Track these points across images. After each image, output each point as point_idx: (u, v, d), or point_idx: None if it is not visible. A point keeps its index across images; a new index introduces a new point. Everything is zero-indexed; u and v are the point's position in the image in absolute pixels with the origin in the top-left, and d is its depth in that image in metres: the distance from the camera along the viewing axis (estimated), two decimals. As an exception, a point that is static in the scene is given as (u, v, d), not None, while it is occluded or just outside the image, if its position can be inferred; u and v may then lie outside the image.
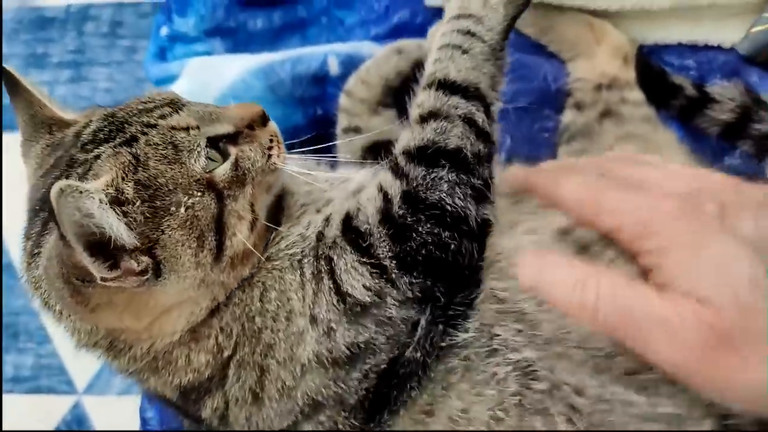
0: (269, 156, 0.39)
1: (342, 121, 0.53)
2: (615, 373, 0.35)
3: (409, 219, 0.36)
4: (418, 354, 0.37)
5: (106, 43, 1.20)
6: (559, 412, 0.35)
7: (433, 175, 0.37)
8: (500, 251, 0.39)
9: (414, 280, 0.36)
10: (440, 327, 0.37)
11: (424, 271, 0.36)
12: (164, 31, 0.58)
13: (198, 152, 0.35)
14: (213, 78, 0.54)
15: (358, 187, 0.42)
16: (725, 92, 0.55)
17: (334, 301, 0.37)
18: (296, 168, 0.40)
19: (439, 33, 0.42)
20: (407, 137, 0.39)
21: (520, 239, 0.40)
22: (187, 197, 0.34)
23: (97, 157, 0.35)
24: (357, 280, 0.36)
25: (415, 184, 0.37)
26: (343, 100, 0.53)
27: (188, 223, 0.34)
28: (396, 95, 0.54)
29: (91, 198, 0.30)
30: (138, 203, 0.33)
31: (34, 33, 1.24)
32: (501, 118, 0.57)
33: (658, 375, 0.35)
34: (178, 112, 0.37)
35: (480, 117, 0.38)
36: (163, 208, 0.34)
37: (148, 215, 0.33)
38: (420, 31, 0.59)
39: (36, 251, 0.35)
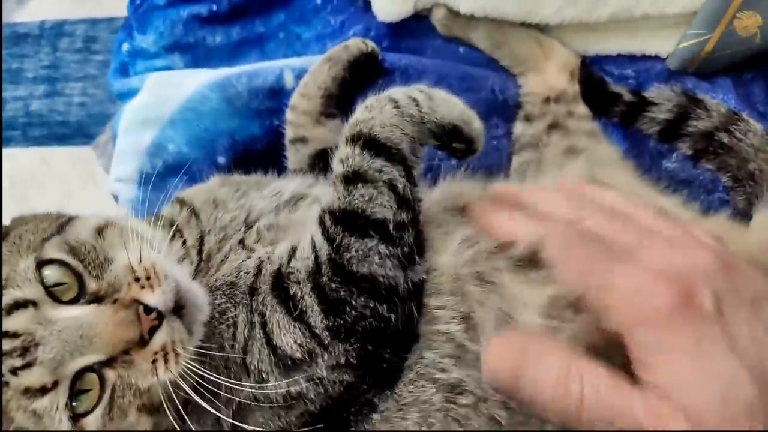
0: (155, 374, 0.35)
1: (289, 133, 0.55)
2: None
3: (342, 293, 0.36)
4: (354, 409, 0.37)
5: (80, 58, 1.22)
6: (480, 424, 0.36)
7: (363, 247, 0.36)
8: (436, 267, 0.39)
9: (350, 347, 0.36)
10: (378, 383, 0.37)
11: (363, 339, 0.36)
12: (125, 47, 0.60)
13: (59, 418, 0.34)
14: (172, 92, 0.55)
15: (289, 200, 0.43)
16: (662, 94, 0.58)
17: (265, 354, 0.37)
18: (189, 368, 0.35)
19: (392, 89, 0.42)
20: (333, 196, 0.38)
21: (458, 253, 0.40)
22: None
23: None
24: (289, 337, 0.37)
25: (345, 255, 0.36)
26: (288, 113, 0.55)
27: None
28: (339, 103, 0.56)
29: None
30: None
31: (9, 48, 1.25)
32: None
33: None
34: (30, 366, 0.33)
35: (401, 183, 0.38)
36: None
37: None
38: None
39: None
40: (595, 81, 0.60)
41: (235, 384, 0.36)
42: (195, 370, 0.35)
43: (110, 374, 0.35)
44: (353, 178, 0.38)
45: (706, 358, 0.31)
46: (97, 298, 0.35)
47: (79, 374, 0.34)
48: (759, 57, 0.57)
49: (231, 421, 0.37)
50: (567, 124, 0.58)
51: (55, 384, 0.34)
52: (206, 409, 0.36)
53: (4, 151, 1.20)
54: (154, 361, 0.35)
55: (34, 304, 0.34)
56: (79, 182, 1.18)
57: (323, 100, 0.54)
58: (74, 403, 0.34)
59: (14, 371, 0.33)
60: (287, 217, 0.44)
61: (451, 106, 0.40)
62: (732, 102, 0.56)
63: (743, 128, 0.54)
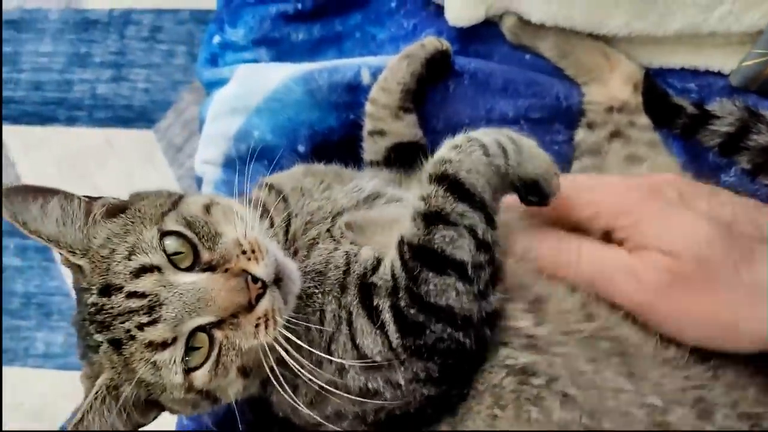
0: (255, 337, 0.39)
1: (368, 125, 0.58)
2: (605, 359, 0.40)
3: (420, 317, 0.39)
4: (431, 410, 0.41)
5: (145, 47, 1.28)
6: (552, 402, 0.39)
7: (441, 282, 0.38)
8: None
9: (432, 365, 0.39)
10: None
11: (444, 358, 0.39)
12: (216, 39, 0.65)
13: (175, 370, 0.38)
14: (259, 83, 0.60)
15: (368, 198, 0.47)
16: (725, 107, 0.60)
17: (348, 347, 0.40)
18: (283, 335, 0.39)
19: (481, 131, 0.44)
20: (413, 231, 0.40)
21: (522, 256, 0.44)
22: (173, 394, 0.39)
23: (99, 344, 0.39)
24: (370, 341, 0.39)
25: (423, 288, 0.39)
26: (368, 106, 0.58)
27: (180, 403, 0.40)
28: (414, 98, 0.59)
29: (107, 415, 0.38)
30: (134, 395, 0.39)
31: (78, 33, 1.32)
32: (515, 130, 0.63)
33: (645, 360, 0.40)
34: (155, 323, 0.37)
35: (481, 228, 0.39)
36: (155, 395, 0.40)
37: (145, 397, 0.40)
38: (445, 48, 0.65)
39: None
40: (658, 93, 0.62)
41: (321, 359, 0.40)
42: (288, 338, 0.39)
43: (219, 334, 0.39)
44: (435, 218, 0.39)
45: (672, 216, 0.41)
46: (210, 267, 0.39)
47: (194, 333, 0.39)
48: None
49: (306, 410, 0.41)
50: (628, 134, 0.61)
51: (174, 340, 0.38)
52: (286, 379, 0.40)
53: (71, 129, 1.27)
54: (256, 325, 0.39)
55: (158, 269, 0.39)
56: (139, 163, 1.24)
57: (402, 95, 0.58)
58: (187, 358, 0.38)
59: (141, 327, 0.38)
60: (365, 214, 0.47)
61: (537, 163, 0.42)
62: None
63: None
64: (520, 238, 0.43)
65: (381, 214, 0.45)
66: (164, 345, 0.38)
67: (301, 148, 0.59)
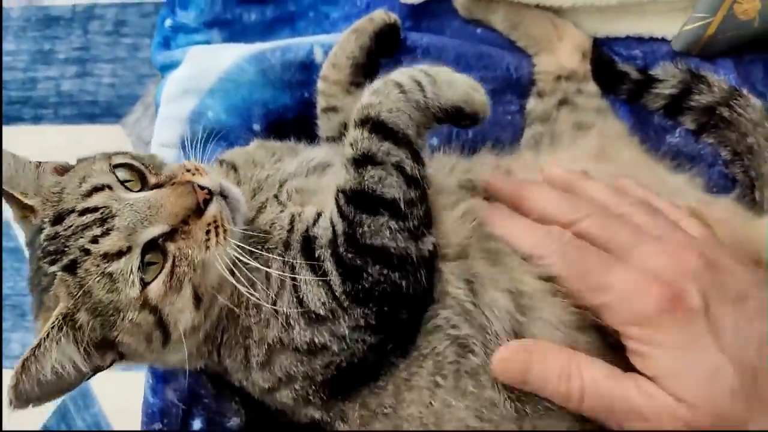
0: (207, 248, 0.40)
1: (320, 102, 0.59)
2: None
3: (358, 261, 0.40)
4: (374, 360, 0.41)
5: (110, 41, 1.28)
6: (487, 379, 0.40)
7: (374, 223, 0.40)
8: (442, 235, 0.43)
9: (369, 311, 0.40)
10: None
11: (380, 303, 0.40)
12: (168, 22, 0.65)
13: (132, 280, 0.38)
14: (211, 64, 0.60)
15: (317, 166, 0.48)
16: (668, 71, 0.62)
17: (293, 303, 0.41)
18: (234, 254, 0.41)
19: (397, 71, 0.44)
20: (345, 178, 0.41)
21: (462, 224, 0.44)
22: (127, 316, 0.39)
23: (54, 277, 0.39)
24: (314, 294, 0.40)
25: (358, 230, 0.40)
26: (319, 83, 0.59)
27: (133, 331, 0.40)
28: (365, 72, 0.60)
29: (61, 348, 0.38)
30: (90, 325, 0.39)
31: (41, 31, 1.30)
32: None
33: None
34: (108, 233, 0.38)
35: (409, 164, 0.40)
36: (110, 324, 0.39)
37: (100, 330, 0.39)
38: (397, 25, 0.66)
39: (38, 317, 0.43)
40: (604, 60, 0.64)
41: (268, 317, 0.41)
42: (239, 264, 0.41)
43: (171, 247, 0.40)
44: (363, 161, 0.41)
45: (694, 352, 0.36)
46: (158, 185, 0.42)
47: (147, 248, 0.40)
48: (758, 40, 0.61)
49: (257, 373, 0.42)
50: (576, 101, 0.62)
51: (129, 249, 0.39)
52: (237, 340, 0.42)
53: (37, 128, 1.26)
54: (207, 232, 0.40)
55: (109, 187, 0.41)
56: (108, 159, 1.23)
57: (352, 69, 0.58)
58: (142, 275, 0.39)
59: (95, 239, 0.39)
60: (315, 181, 0.48)
61: (454, 88, 0.43)
62: (733, 82, 0.60)
63: (743, 103, 0.58)
64: (509, 358, 0.39)
65: (331, 180, 0.46)
66: (119, 254, 0.39)
67: (256, 127, 0.60)
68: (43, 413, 1.10)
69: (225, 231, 0.41)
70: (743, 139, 0.58)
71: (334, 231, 0.41)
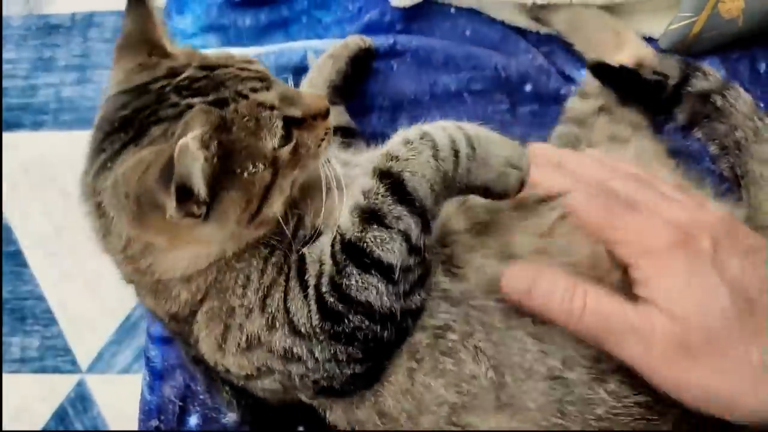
0: (319, 146, 0.42)
1: None
2: (518, 319, 0.41)
3: (339, 307, 0.38)
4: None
5: (109, 48, 1.28)
6: (467, 356, 0.40)
7: (364, 280, 0.38)
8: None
9: (351, 350, 0.39)
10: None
11: (360, 344, 0.39)
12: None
13: (275, 132, 0.39)
14: (207, 67, 0.61)
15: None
16: (666, 63, 0.61)
17: (281, 306, 0.40)
18: (334, 163, 0.43)
19: (441, 122, 0.41)
20: (347, 223, 0.39)
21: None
22: (253, 167, 0.38)
23: (190, 106, 0.37)
24: (299, 311, 0.40)
25: (345, 281, 0.38)
26: None
27: (246, 187, 0.39)
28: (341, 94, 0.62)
29: (197, 160, 0.35)
30: (215, 161, 0.36)
31: (42, 38, 1.32)
32: (459, 103, 0.65)
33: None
34: (267, 90, 0.40)
35: (416, 234, 0.38)
36: (232, 170, 0.38)
37: (218, 172, 0.37)
38: (388, 29, 0.67)
39: (108, 165, 0.38)
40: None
41: (253, 308, 0.41)
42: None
43: (296, 132, 0.41)
44: (371, 217, 0.38)
45: (694, 277, 0.38)
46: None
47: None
48: (744, 38, 0.62)
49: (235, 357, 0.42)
50: (615, 111, 0.61)
51: (273, 108, 0.40)
52: (220, 308, 0.42)
53: (37, 134, 1.27)
54: (325, 133, 0.43)
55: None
56: (107, 164, 1.24)
57: (329, 91, 0.60)
58: (283, 133, 0.40)
59: (254, 89, 0.40)
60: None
61: (490, 166, 0.40)
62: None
63: (735, 94, 0.58)
64: (514, 275, 0.40)
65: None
66: (272, 108, 0.40)
67: (250, 129, 0.61)
68: (41, 416, 1.11)
69: (328, 142, 0.43)
70: (732, 132, 0.59)
71: (320, 268, 0.40)
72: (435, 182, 0.38)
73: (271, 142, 0.39)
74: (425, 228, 0.39)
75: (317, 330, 0.39)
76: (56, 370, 1.12)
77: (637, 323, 0.38)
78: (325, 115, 0.43)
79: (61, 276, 1.19)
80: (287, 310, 0.40)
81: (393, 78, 0.65)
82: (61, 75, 1.29)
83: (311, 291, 0.39)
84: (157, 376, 0.55)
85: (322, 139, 0.43)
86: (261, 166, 0.39)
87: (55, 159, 1.25)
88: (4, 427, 1.10)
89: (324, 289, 0.39)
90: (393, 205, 0.38)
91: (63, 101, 1.28)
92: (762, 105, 0.60)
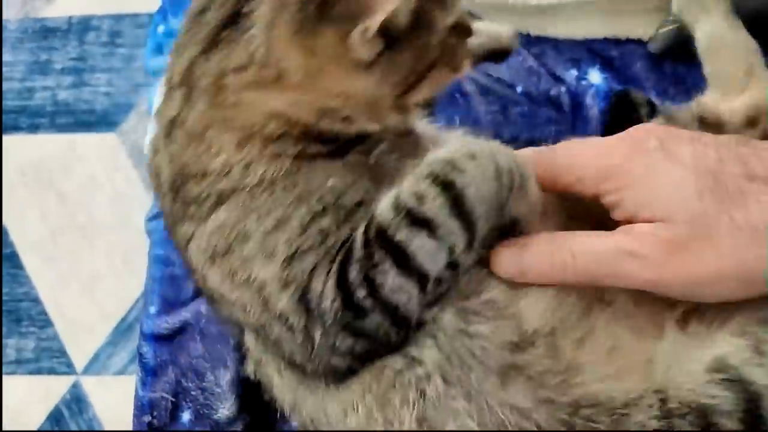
0: (462, 64, 0.40)
1: None
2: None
3: (367, 304, 0.35)
4: None
5: (105, 51, 1.30)
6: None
7: (397, 282, 0.35)
8: None
9: (349, 344, 0.36)
10: None
11: (363, 345, 0.37)
12: (161, 29, 0.67)
13: (453, 8, 0.37)
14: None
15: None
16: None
17: (306, 273, 0.36)
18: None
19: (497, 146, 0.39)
20: (391, 215, 0.35)
21: None
22: (429, 33, 0.37)
23: None
24: (326, 292, 0.36)
25: (380, 279, 0.35)
26: None
27: (417, 53, 0.37)
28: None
29: None
30: (406, 19, 0.35)
31: (38, 42, 1.33)
32: (450, 104, 0.66)
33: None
34: None
35: (460, 250, 0.36)
36: (417, 25, 0.36)
37: (410, 20, 0.36)
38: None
39: None
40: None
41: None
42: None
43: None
44: (422, 224, 0.36)
45: (657, 177, 0.38)
46: None
47: None
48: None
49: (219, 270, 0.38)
50: None
51: None
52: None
53: (33, 137, 1.28)
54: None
55: None
56: (103, 166, 1.25)
57: None
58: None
59: None
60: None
61: (528, 200, 0.39)
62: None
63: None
64: (502, 261, 0.39)
65: None
66: None
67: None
68: (37, 418, 1.11)
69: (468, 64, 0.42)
70: None
71: (351, 253, 0.36)
72: (492, 206, 0.36)
73: (449, 17, 0.37)
74: (469, 247, 0.37)
75: (330, 316, 0.36)
76: (52, 371, 1.12)
77: (625, 243, 0.37)
78: (469, 33, 0.41)
79: (57, 278, 1.19)
80: (310, 280, 0.36)
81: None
82: (58, 78, 1.30)
83: (334, 272, 0.36)
84: (149, 373, 0.56)
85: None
86: (436, 37, 0.37)
87: (51, 162, 1.26)
88: (5, 427, 1.10)
89: (352, 278, 0.35)
90: (448, 218, 0.35)
91: (59, 104, 1.29)
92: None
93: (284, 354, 0.38)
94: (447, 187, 0.36)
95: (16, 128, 1.30)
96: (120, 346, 1.13)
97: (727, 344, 0.38)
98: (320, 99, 0.37)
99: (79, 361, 1.13)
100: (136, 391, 0.57)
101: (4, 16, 1.35)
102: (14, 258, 1.20)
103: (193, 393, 0.53)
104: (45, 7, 1.38)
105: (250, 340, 0.41)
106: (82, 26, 1.34)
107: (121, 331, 1.14)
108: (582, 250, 0.38)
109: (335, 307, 0.36)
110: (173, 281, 0.59)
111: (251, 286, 0.37)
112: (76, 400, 1.11)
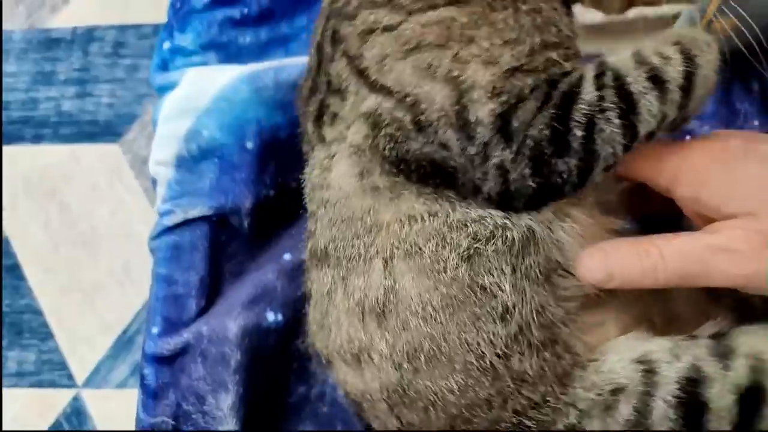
0: None
1: None
2: None
3: (575, 144, 0.36)
4: None
5: (109, 62, 1.30)
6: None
7: (614, 134, 0.36)
8: None
9: (523, 176, 0.37)
10: None
11: (535, 181, 0.37)
12: (166, 45, 0.67)
13: None
14: (207, 84, 0.62)
15: None
16: None
17: (520, 85, 0.37)
18: None
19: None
20: (627, 67, 0.37)
21: None
22: None
23: None
24: (536, 120, 0.36)
25: (602, 125, 0.36)
26: None
27: None
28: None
29: None
30: None
31: (42, 52, 1.33)
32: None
33: None
34: None
35: (667, 120, 0.38)
36: None
37: None
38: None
39: None
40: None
41: None
42: None
43: None
44: (657, 83, 0.37)
45: (738, 173, 0.38)
46: None
47: None
48: (736, 58, 0.62)
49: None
50: None
51: None
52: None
53: (37, 147, 1.28)
54: None
55: None
56: (106, 177, 1.25)
57: None
58: None
59: None
60: None
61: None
62: (712, 99, 0.62)
63: None
64: (586, 263, 0.40)
65: None
66: None
67: (249, 145, 0.61)
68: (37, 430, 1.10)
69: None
70: None
71: (579, 90, 0.37)
72: (705, 95, 0.38)
73: None
74: (670, 123, 0.39)
75: (530, 143, 0.36)
76: (52, 384, 1.11)
77: (716, 240, 0.37)
78: None
79: (59, 290, 1.18)
80: (522, 99, 0.37)
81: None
82: (62, 89, 1.30)
83: (554, 104, 0.37)
84: (150, 395, 0.55)
85: None
86: None
87: (54, 172, 1.26)
88: (5, 427, 1.09)
89: (576, 116, 0.36)
90: (678, 87, 0.37)
91: (63, 115, 1.29)
92: (756, 123, 0.61)
93: (437, 158, 0.37)
94: (688, 59, 0.37)
95: (20, 139, 1.30)
96: (120, 359, 1.12)
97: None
98: None
99: (80, 374, 1.12)
100: (137, 414, 0.56)
101: (10, 27, 1.36)
102: (16, 269, 1.20)
103: (193, 416, 0.53)
104: (50, 17, 1.38)
105: None
106: (86, 37, 1.34)
107: (122, 344, 1.13)
108: (671, 252, 0.38)
109: (540, 137, 0.36)
110: (176, 300, 0.58)
111: (455, 82, 0.36)
112: (77, 413, 1.10)
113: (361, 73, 0.39)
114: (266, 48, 0.68)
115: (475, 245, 0.37)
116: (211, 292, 0.59)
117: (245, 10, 0.67)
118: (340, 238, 0.40)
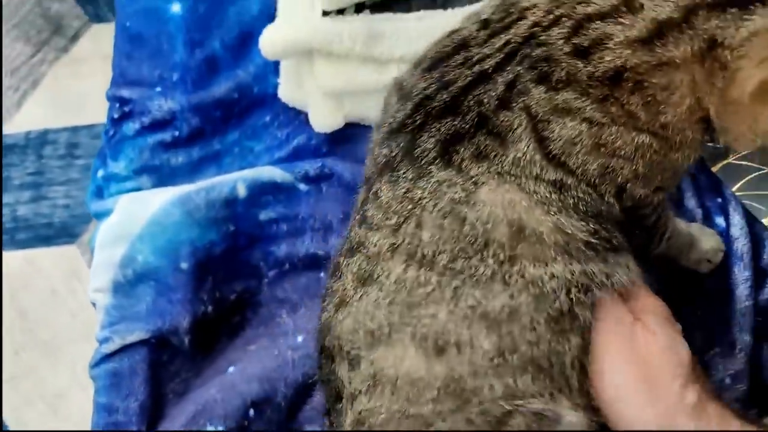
0: None
1: None
2: None
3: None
4: None
5: (63, 164, 1.33)
6: None
7: None
8: None
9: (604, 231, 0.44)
10: None
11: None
12: (100, 173, 0.70)
13: None
14: (140, 210, 0.64)
15: None
16: None
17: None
18: None
19: None
20: None
21: None
22: None
23: None
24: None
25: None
26: None
27: None
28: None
29: None
30: None
31: (-3, 160, 1.34)
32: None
33: None
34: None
35: None
36: None
37: None
38: (315, 152, 0.72)
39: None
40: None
41: None
42: None
43: None
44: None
45: None
46: None
47: None
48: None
49: None
50: None
51: None
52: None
53: (-8, 255, 1.28)
54: None
55: None
56: (63, 279, 1.25)
57: None
58: None
59: None
60: None
61: None
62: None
63: None
64: None
65: None
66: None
67: (184, 266, 0.63)
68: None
69: None
70: None
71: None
72: None
73: None
74: None
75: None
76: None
77: None
78: None
79: (22, 399, 1.16)
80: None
81: (323, 200, 0.69)
82: (17, 194, 1.31)
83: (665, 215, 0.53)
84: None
85: None
86: None
87: (11, 279, 1.25)
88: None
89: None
90: None
91: (19, 220, 1.30)
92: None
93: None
94: None
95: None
96: (85, 468, 1.09)
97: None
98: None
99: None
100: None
101: (-37, 137, 1.38)
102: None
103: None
104: (3, 124, 1.41)
105: None
106: (40, 140, 1.37)
107: (86, 452, 1.10)
108: None
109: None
110: (117, 429, 0.59)
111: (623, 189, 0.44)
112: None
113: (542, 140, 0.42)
114: (199, 166, 0.71)
115: None
116: (152, 415, 0.60)
117: (176, 133, 0.70)
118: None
